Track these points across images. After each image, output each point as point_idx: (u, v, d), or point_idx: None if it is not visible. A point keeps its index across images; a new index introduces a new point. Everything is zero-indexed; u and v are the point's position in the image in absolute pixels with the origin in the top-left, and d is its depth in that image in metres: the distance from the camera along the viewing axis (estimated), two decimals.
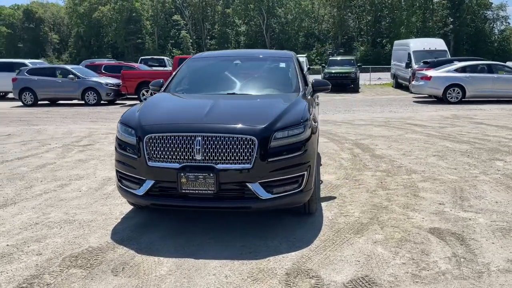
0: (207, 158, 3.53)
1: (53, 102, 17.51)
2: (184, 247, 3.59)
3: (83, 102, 16.49)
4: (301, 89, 4.73)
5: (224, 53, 6.14)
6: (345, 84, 21.13)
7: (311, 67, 25.69)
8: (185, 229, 4.00)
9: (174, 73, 5.22)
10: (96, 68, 19.21)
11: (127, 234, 3.88)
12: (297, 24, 65.95)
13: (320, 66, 26.79)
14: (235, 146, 3.53)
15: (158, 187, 3.67)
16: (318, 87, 4.98)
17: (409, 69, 19.63)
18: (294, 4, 64.70)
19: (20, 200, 4.87)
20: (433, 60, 17.60)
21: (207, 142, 3.53)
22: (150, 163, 3.62)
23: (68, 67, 17.66)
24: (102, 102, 16.59)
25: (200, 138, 3.54)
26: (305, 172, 3.77)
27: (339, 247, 3.56)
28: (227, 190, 3.60)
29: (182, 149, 3.56)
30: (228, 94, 4.66)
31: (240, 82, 4.91)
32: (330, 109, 14.04)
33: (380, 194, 4.93)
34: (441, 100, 15.21)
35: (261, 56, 5.72)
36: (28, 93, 16.69)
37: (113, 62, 24.02)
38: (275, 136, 3.62)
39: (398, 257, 3.38)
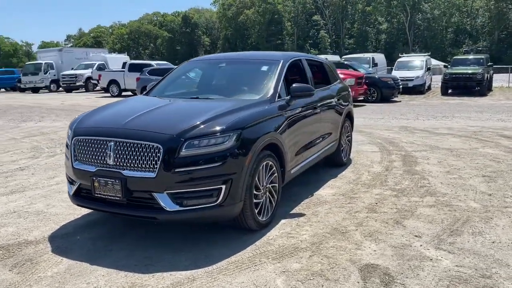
0: (117, 164, 3.53)
1: None
2: (96, 251, 3.64)
3: None
4: (269, 95, 4.38)
5: (216, 56, 5.97)
6: (469, 87, 18.68)
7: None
8: (123, 232, 4.04)
9: (165, 75, 5.30)
10: None
11: (67, 231, 4.09)
12: (445, 19, 60.54)
13: (443, 66, 24.13)
14: (141, 153, 3.45)
15: (84, 189, 3.80)
16: (295, 93, 4.53)
17: None
18: None
19: (31, 188, 5.51)
20: None
21: (118, 148, 3.53)
22: (75, 165, 3.77)
23: None
24: None
25: (112, 143, 3.56)
26: (223, 186, 3.50)
27: (238, 273, 3.22)
28: (138, 198, 3.53)
29: (98, 153, 3.62)
30: (191, 98, 4.56)
31: (211, 86, 4.76)
32: (427, 115, 12.61)
33: (357, 217, 4.30)
34: None
35: (248, 59, 5.41)
36: None
37: None
38: (188, 144, 3.43)
39: None
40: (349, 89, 6.81)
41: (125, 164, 3.50)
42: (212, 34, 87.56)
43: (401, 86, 17.59)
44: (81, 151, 3.73)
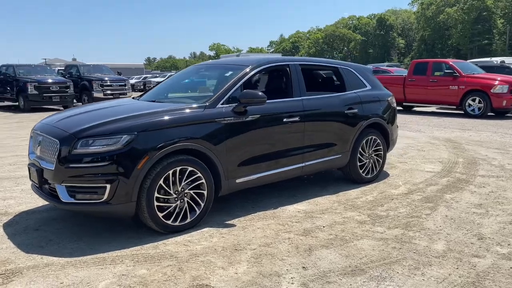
0: (40, 155, 4.08)
1: None
2: (27, 229, 4.12)
3: None
4: (210, 100, 4.28)
5: (206, 62, 5.81)
6: None
7: None
8: (72, 217, 4.56)
9: (164, 79, 5.63)
10: None
11: (39, 209, 4.75)
12: None
13: None
14: (50, 148, 3.92)
15: None
16: (245, 99, 4.28)
17: None
18: None
19: None
20: None
21: (43, 142, 4.08)
22: (30, 154, 4.48)
23: None
24: None
25: (41, 137, 4.12)
26: (108, 185, 3.69)
27: (87, 268, 3.31)
28: (53, 187, 4.00)
29: (35, 145, 4.25)
30: (152, 101, 4.80)
31: (181, 91, 4.88)
32: None
33: (279, 237, 3.87)
34: None
35: (225, 64, 5.20)
36: None
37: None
38: (82, 143, 3.71)
39: None
40: (387, 99, 5.88)
41: (43, 157, 4.03)
42: (408, 36, 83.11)
43: None
44: (31, 143, 4.43)
